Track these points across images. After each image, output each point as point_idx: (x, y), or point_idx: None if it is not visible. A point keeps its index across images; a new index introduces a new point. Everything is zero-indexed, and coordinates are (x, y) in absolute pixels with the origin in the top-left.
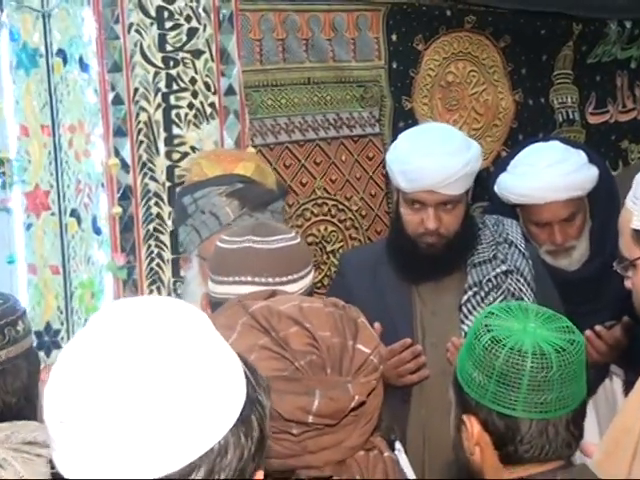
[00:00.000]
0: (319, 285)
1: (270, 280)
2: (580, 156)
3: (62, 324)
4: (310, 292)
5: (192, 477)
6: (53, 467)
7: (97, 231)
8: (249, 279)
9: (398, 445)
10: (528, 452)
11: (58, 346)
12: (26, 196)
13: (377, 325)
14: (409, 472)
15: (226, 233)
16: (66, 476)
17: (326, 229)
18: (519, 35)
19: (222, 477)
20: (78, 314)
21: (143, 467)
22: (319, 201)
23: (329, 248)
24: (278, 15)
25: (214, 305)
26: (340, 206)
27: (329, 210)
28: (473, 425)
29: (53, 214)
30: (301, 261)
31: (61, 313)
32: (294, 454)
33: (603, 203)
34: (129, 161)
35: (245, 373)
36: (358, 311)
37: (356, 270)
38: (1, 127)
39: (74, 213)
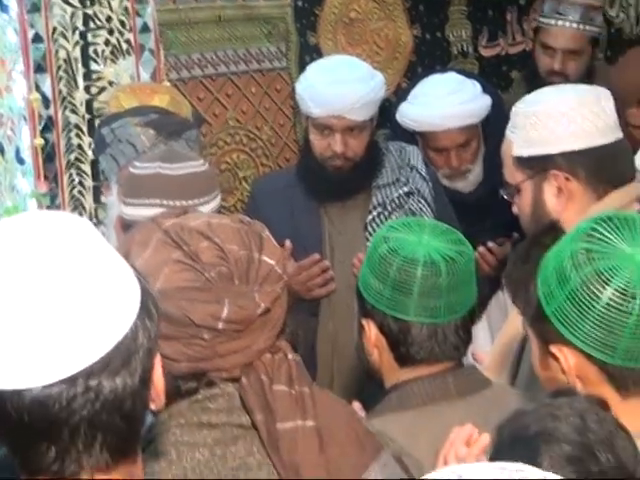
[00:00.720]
0: (232, 209)
1: (177, 204)
2: (475, 86)
3: None
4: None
5: (117, 357)
6: None
7: (20, 161)
8: (157, 202)
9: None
10: (419, 353)
11: None
12: None
13: (288, 243)
14: None
15: (137, 159)
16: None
17: (238, 157)
18: None
19: (140, 355)
20: None
21: (68, 362)
22: (231, 131)
23: (241, 174)
24: None
25: (126, 227)
26: (251, 135)
27: (241, 139)
28: (371, 328)
29: None
30: (207, 186)
31: None
32: (205, 358)
33: (496, 130)
34: (50, 95)
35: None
36: (263, 226)
37: (267, 194)
38: None
39: None
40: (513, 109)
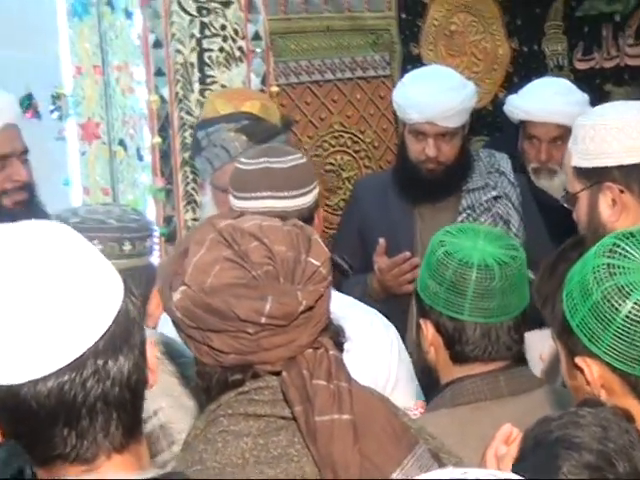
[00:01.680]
0: (336, 207)
1: (286, 194)
2: (583, 96)
3: None
4: (316, 204)
5: (117, 333)
6: None
7: (140, 158)
8: (268, 194)
9: (347, 346)
10: (473, 352)
11: None
12: (80, 127)
13: (382, 240)
14: (385, 368)
15: (242, 156)
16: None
17: (342, 158)
18: None
19: (135, 329)
20: None
21: (75, 344)
22: (336, 134)
23: (345, 175)
24: None
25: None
26: (355, 138)
27: (345, 142)
28: (428, 328)
29: (104, 143)
30: (309, 177)
31: None
32: (251, 350)
33: None
34: (167, 97)
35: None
36: (313, 230)
37: (367, 194)
38: (58, 67)
39: (121, 142)
40: (575, 122)
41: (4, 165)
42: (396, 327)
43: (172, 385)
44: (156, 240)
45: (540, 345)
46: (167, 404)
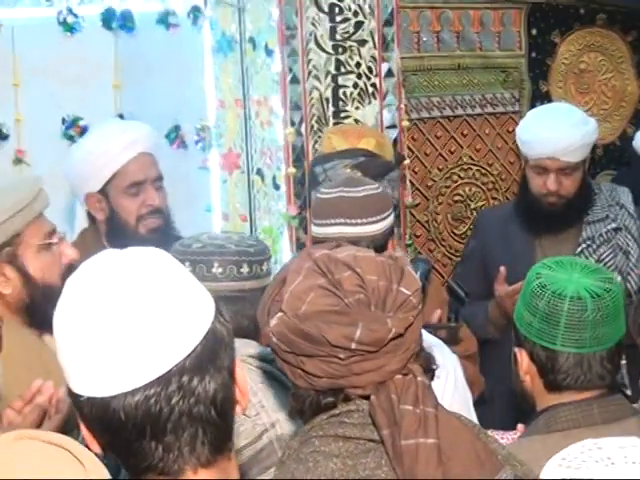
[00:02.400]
0: (463, 236)
1: (358, 221)
2: None
3: None
4: (391, 231)
5: (204, 353)
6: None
7: (276, 187)
8: (341, 221)
9: (438, 373)
10: (565, 380)
11: None
12: (222, 157)
13: (502, 269)
14: (439, 395)
15: (323, 187)
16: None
17: (470, 190)
18: None
19: (223, 349)
20: None
21: (162, 360)
22: (465, 166)
23: (472, 206)
24: (434, 12)
25: (316, 244)
26: (483, 171)
27: (473, 174)
28: (523, 357)
29: (243, 172)
30: (382, 206)
31: None
32: (342, 375)
33: None
34: (303, 130)
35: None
36: (406, 260)
37: (490, 224)
38: (204, 101)
39: (259, 172)
40: None
41: (138, 191)
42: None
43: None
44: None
45: None
46: (283, 417)
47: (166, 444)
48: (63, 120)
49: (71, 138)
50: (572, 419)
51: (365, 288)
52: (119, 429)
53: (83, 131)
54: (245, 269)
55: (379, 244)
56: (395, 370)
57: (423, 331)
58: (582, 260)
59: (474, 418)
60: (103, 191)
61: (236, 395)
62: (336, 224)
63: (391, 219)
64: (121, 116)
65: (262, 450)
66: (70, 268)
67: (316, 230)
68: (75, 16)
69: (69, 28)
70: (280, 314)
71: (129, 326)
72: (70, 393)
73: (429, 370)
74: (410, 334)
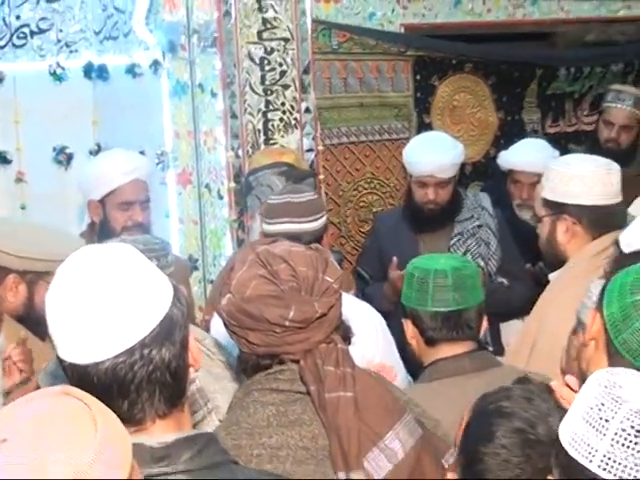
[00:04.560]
0: (367, 233)
1: (302, 219)
2: (553, 152)
3: (199, 256)
4: (325, 228)
5: (161, 331)
6: None
7: (220, 198)
8: (287, 219)
9: (354, 340)
10: (440, 333)
11: (196, 269)
12: (177, 175)
13: (394, 258)
14: (361, 356)
15: (272, 194)
16: (85, 361)
17: (372, 198)
18: (501, 76)
19: (178, 329)
20: (208, 249)
21: (128, 338)
22: (368, 180)
23: (374, 210)
24: (341, 62)
25: (264, 238)
26: (382, 183)
27: (375, 186)
28: (408, 325)
29: (194, 186)
30: (318, 208)
31: (198, 249)
32: (278, 345)
33: None
34: (240, 154)
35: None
36: (329, 252)
37: (384, 225)
38: (162, 132)
39: (207, 186)
40: (550, 164)
41: (128, 208)
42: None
43: (204, 361)
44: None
45: (510, 333)
46: (201, 374)
47: (130, 401)
48: (54, 149)
49: (60, 162)
50: (448, 369)
51: (297, 277)
52: (94, 389)
53: (69, 157)
54: (154, 262)
55: (317, 238)
56: (320, 340)
57: (353, 298)
58: (447, 254)
59: (398, 361)
60: (102, 201)
61: (189, 360)
62: (283, 222)
63: (324, 218)
64: (98, 145)
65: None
66: None
67: (267, 228)
68: (62, 68)
69: (58, 78)
70: (229, 295)
71: (103, 309)
72: (58, 358)
73: (347, 338)
74: (332, 313)
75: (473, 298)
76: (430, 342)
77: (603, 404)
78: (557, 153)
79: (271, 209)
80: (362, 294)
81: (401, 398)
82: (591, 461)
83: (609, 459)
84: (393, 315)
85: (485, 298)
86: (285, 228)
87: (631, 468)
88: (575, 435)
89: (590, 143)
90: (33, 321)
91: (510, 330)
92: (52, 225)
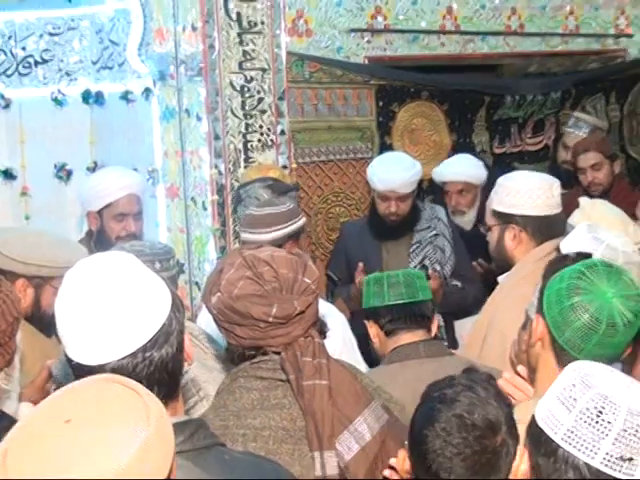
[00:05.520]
0: (334, 240)
1: (262, 230)
2: (481, 166)
3: (185, 260)
4: (290, 236)
5: (160, 337)
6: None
7: (205, 209)
8: (253, 230)
9: (329, 334)
10: (396, 323)
11: (183, 272)
12: (166, 189)
13: (360, 264)
14: (331, 351)
15: (253, 206)
16: (90, 363)
17: (339, 209)
18: (454, 102)
19: (175, 334)
20: (193, 255)
21: (131, 343)
22: (335, 194)
23: (341, 220)
24: (313, 90)
25: (243, 244)
26: (348, 197)
27: (341, 199)
28: (371, 325)
29: (181, 199)
30: (280, 220)
31: (185, 254)
32: (261, 338)
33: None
34: (223, 171)
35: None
36: (308, 256)
37: (350, 233)
38: (152, 152)
39: (192, 199)
40: (498, 180)
41: (122, 219)
42: None
43: (197, 353)
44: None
45: (464, 329)
46: (195, 365)
47: None
48: (55, 166)
49: (60, 178)
50: (405, 354)
51: (279, 278)
52: None
53: (69, 173)
54: (157, 265)
55: (281, 244)
56: (299, 335)
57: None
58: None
59: (358, 356)
60: (100, 212)
61: (184, 358)
62: (254, 233)
63: (288, 230)
64: (95, 163)
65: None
66: None
67: (244, 236)
68: (63, 95)
69: (59, 103)
70: (218, 294)
71: (108, 316)
72: (66, 357)
73: (322, 332)
74: (310, 310)
75: (423, 295)
76: (389, 333)
77: (574, 385)
78: (481, 163)
79: (248, 221)
80: (331, 294)
81: (370, 386)
82: (556, 433)
83: (572, 433)
84: (354, 318)
85: (442, 299)
86: (255, 238)
87: (589, 443)
88: (548, 411)
89: (519, 162)
90: (40, 321)
91: (463, 327)
92: (54, 233)
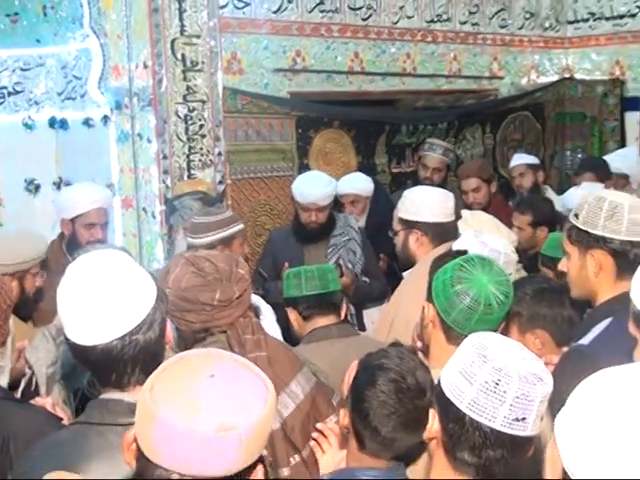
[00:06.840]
0: (261, 243)
1: (200, 235)
2: (370, 182)
3: (137, 261)
4: (222, 240)
5: (145, 323)
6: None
7: (154, 217)
8: (194, 235)
9: (262, 316)
10: (311, 310)
11: None
12: (121, 201)
13: (286, 264)
14: (267, 330)
15: (195, 216)
16: (86, 343)
17: (265, 218)
18: (360, 130)
19: (158, 321)
20: (144, 257)
21: (120, 328)
22: (262, 205)
23: (267, 227)
24: (244, 119)
25: (189, 248)
26: (272, 207)
27: (267, 210)
28: (291, 312)
29: (134, 209)
30: (213, 227)
31: (137, 256)
32: (208, 320)
33: (377, 202)
34: (170, 185)
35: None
36: (238, 256)
37: (277, 238)
38: (109, 169)
39: (144, 209)
40: (404, 192)
41: (91, 228)
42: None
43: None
44: None
45: (371, 316)
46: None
47: (118, 373)
48: (25, 180)
49: (30, 191)
50: (320, 335)
51: (218, 270)
52: (89, 362)
53: (37, 187)
54: None
55: (214, 247)
56: (239, 315)
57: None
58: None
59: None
60: (72, 220)
61: (165, 342)
62: (199, 237)
63: (220, 236)
64: (60, 179)
65: None
66: (39, 289)
67: (190, 240)
68: (32, 120)
69: (29, 127)
70: (168, 290)
71: (102, 304)
72: (64, 337)
73: (257, 315)
74: (246, 294)
75: (333, 286)
76: (306, 318)
77: (473, 362)
78: (369, 178)
79: (193, 228)
80: (262, 288)
81: (300, 356)
82: (462, 402)
83: (475, 402)
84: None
85: (353, 292)
86: (199, 242)
87: (489, 409)
88: (451, 384)
89: (412, 180)
90: (25, 306)
91: (370, 315)
92: (19, 230)
